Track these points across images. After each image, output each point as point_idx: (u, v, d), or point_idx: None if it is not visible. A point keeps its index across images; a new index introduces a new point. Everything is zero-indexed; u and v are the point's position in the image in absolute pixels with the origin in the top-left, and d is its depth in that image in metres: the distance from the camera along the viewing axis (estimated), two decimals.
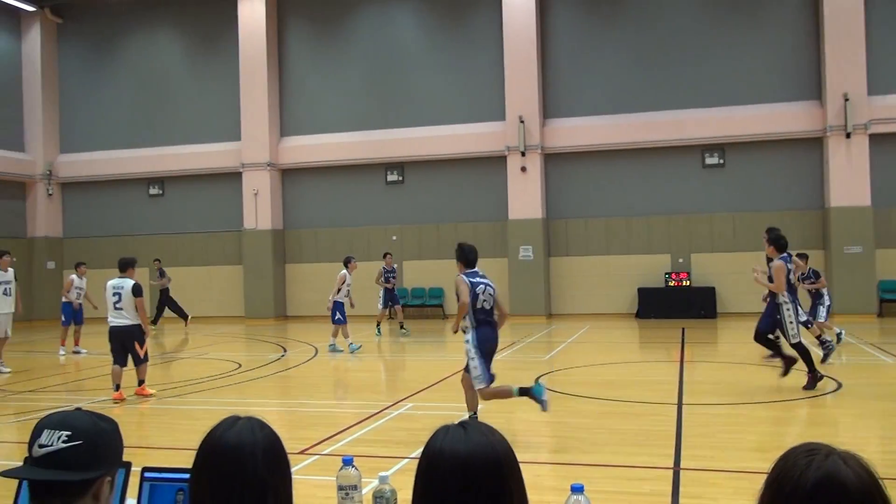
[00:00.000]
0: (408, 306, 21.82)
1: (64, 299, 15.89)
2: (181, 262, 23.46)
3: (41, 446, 1.77)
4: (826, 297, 13.42)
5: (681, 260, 19.97)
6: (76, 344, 15.66)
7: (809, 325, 11.75)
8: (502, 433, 1.68)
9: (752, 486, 5.25)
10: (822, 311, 13.24)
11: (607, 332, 17.39)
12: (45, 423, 1.81)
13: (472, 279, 7.46)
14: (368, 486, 3.95)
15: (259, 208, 22.35)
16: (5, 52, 24.09)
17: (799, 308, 9.84)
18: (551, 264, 20.86)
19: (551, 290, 20.85)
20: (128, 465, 2.02)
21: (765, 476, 1.47)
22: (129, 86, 24.26)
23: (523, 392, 7.19)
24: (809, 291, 13.46)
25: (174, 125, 23.64)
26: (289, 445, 1.86)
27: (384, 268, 17.54)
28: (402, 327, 17.76)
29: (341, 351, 14.60)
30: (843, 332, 13.62)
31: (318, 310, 20.42)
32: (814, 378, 9.25)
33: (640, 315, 19.69)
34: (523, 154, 20.28)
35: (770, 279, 9.46)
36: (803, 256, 13.45)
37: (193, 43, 23.72)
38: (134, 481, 2.10)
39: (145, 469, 2.23)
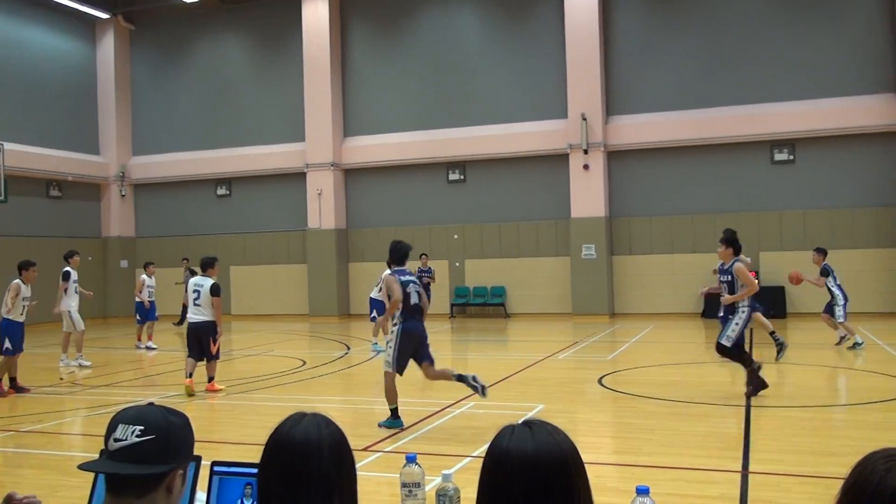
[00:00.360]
0: (469, 305, 21.87)
1: (137, 299, 16.43)
2: (247, 262, 23.97)
3: (116, 440, 1.83)
4: (840, 296, 13.05)
5: (749, 259, 19.46)
6: (149, 339, 16.15)
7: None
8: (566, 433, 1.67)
9: (826, 491, 5.10)
10: (840, 312, 12.96)
11: (672, 331, 17.09)
12: (119, 418, 1.87)
13: (401, 277, 7.98)
14: (431, 484, 3.96)
15: (323, 208, 22.67)
16: (81, 58, 24.96)
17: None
18: (614, 263, 20.61)
19: (614, 289, 20.60)
20: (198, 459, 2.07)
21: (839, 481, 1.43)
22: (197, 89, 24.88)
23: (460, 378, 7.83)
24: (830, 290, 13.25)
25: (240, 127, 24.15)
26: (352, 442, 1.88)
27: (420, 268, 17.65)
28: None
29: (382, 350, 14.65)
30: (862, 341, 13.12)
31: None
32: (754, 377, 8.78)
33: (705, 315, 19.28)
34: (586, 152, 20.08)
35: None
36: (822, 251, 13.32)
37: (259, 46, 24.18)
38: (204, 475, 2.15)
39: (215, 463, 2.28)
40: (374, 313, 14.73)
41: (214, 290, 10.40)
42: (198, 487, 2.18)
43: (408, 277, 8.07)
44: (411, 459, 2.61)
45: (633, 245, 20.54)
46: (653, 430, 7.56)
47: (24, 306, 11.03)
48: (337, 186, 22.79)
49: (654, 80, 20.22)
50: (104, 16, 24.72)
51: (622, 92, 20.52)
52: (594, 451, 6.80)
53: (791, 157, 19.29)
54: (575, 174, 20.37)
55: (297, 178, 23.31)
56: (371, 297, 15.14)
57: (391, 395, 7.94)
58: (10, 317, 10.91)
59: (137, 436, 1.81)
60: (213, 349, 10.40)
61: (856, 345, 12.83)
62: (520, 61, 21.36)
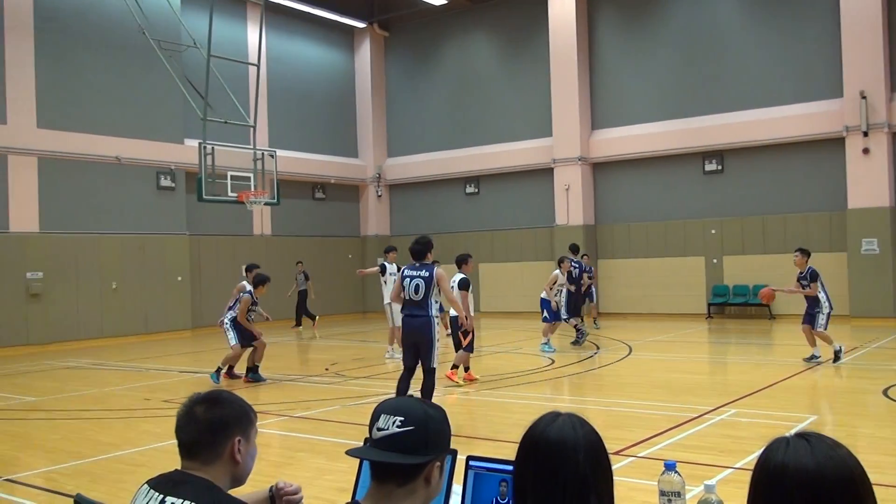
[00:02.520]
0: (729, 305, 20.75)
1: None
2: (496, 259, 24.58)
3: (379, 430, 1.95)
4: (826, 304, 11.62)
5: None
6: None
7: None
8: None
9: None
10: (822, 320, 11.56)
11: None
12: (381, 409, 1.99)
13: (406, 271, 8.29)
14: (690, 494, 3.81)
15: (570, 203, 22.66)
16: (341, 67, 27.06)
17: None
18: None
19: None
20: (454, 453, 2.14)
21: None
22: (446, 91, 25.96)
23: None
24: (806, 296, 11.85)
25: (488, 125, 24.83)
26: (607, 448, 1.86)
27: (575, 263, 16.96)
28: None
29: (554, 349, 14.57)
30: (843, 347, 11.83)
31: (631, 306, 20.28)
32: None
33: None
34: (865, 134, 18.22)
35: None
36: (805, 253, 11.88)
37: (505, 43, 24.71)
38: (459, 469, 2.21)
39: (470, 458, 2.35)
40: (546, 314, 14.90)
41: (462, 284, 11.04)
42: (453, 481, 2.25)
43: (409, 272, 8.21)
44: (671, 467, 2.51)
45: None
46: None
47: (251, 317, 12.25)
48: (585, 181, 22.66)
49: None
50: (361, 25, 26.60)
51: None
52: (880, 471, 6.15)
53: None
54: (852, 159, 18.56)
55: (544, 173, 23.51)
56: (541, 298, 15.24)
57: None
58: (238, 319, 12.15)
59: (398, 426, 1.92)
60: (465, 341, 11.00)
61: (813, 357, 11.77)
62: (782, 38, 19.86)
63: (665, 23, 21.69)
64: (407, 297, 8.14)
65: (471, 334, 10.87)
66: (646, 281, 21.87)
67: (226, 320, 12.30)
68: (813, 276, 11.87)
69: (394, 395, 2.03)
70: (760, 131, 19.95)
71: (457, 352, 11.22)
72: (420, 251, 8.24)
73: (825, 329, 11.79)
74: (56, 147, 18.78)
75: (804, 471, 1.50)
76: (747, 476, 1.63)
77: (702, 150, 20.96)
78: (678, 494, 2.48)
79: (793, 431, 1.61)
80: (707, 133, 20.71)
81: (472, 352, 11.25)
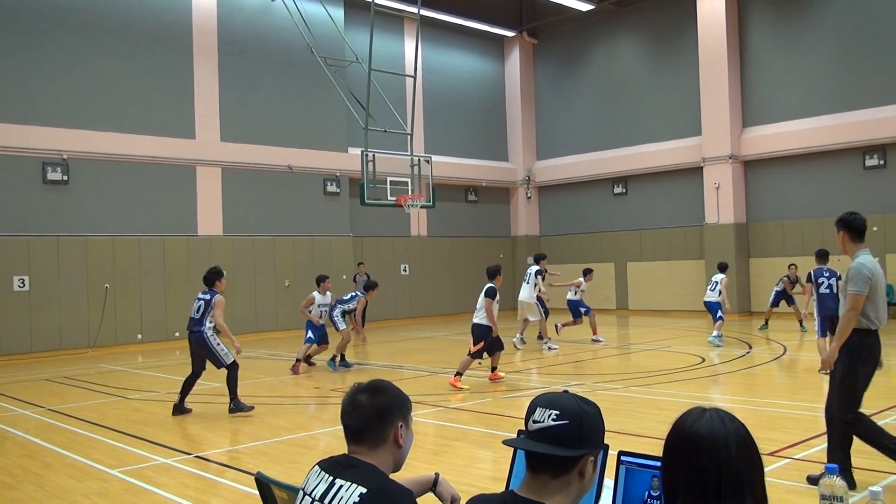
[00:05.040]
0: (891, 305, 19.16)
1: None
2: (644, 258, 23.95)
3: (534, 422, 1.95)
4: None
5: None
6: (593, 332, 16.24)
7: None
8: None
9: None
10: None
11: None
12: (538, 402, 1.99)
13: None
14: (854, 499, 3.55)
15: (721, 202, 21.72)
16: (492, 74, 27.23)
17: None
18: None
19: None
20: (605, 448, 2.10)
21: None
22: (594, 93, 25.54)
23: None
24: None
25: (636, 126, 24.22)
26: (758, 446, 1.77)
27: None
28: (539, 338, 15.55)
29: (721, 346, 14.34)
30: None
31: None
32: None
33: None
34: None
35: None
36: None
37: (653, 44, 24.01)
38: (610, 464, 2.17)
39: (621, 453, 2.30)
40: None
41: (489, 293, 10.96)
42: (605, 476, 2.21)
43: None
44: (832, 471, 2.35)
45: None
46: None
47: (321, 312, 13.27)
48: (736, 179, 21.64)
49: None
50: (511, 34, 26.67)
51: None
52: None
53: None
54: None
55: (693, 172, 22.66)
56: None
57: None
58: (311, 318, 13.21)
59: (553, 419, 1.91)
60: (475, 348, 10.85)
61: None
62: None
63: (821, 15, 20.33)
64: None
65: (483, 343, 10.84)
66: (802, 280, 20.56)
67: (338, 311, 13.46)
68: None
69: (551, 391, 2.02)
70: None
71: (487, 356, 11.13)
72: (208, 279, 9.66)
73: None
74: (236, 158, 20.03)
75: (716, 435, 1.72)
76: None
77: (862, 145, 19.50)
78: (840, 499, 2.32)
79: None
80: (868, 127, 19.24)
81: (480, 358, 11.12)
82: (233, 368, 9.38)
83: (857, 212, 5.67)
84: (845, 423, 5.47)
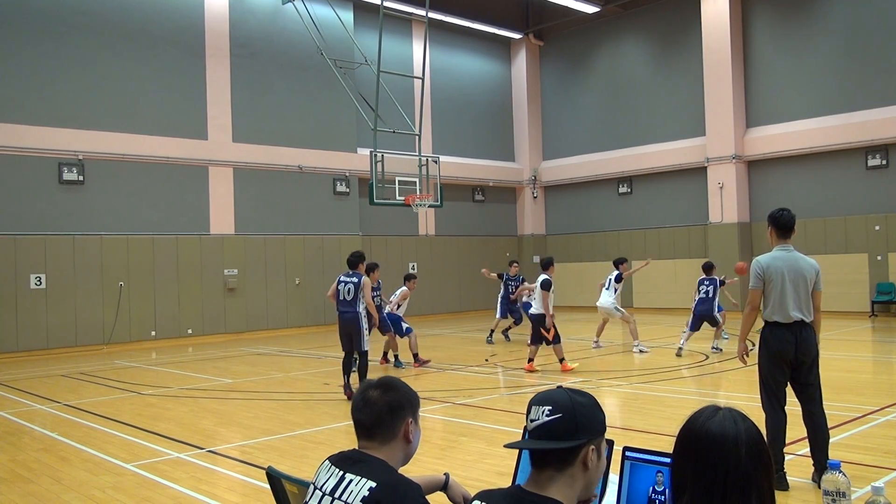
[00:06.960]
0: (894, 303, 19.10)
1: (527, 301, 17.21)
2: (647, 256, 23.86)
3: (532, 421, 1.98)
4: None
5: None
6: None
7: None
8: None
9: None
10: None
11: None
12: (533, 402, 2.02)
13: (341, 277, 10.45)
14: (856, 495, 3.54)
15: (724, 201, 21.66)
16: (499, 76, 27.20)
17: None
18: None
19: None
20: (610, 444, 2.10)
21: None
22: (599, 94, 25.50)
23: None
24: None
25: (640, 126, 24.17)
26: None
27: (506, 274, 16.67)
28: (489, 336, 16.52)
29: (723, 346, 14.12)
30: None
31: None
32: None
33: None
34: None
35: None
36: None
37: (657, 45, 23.94)
38: (615, 459, 2.17)
39: (626, 448, 2.30)
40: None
41: (544, 285, 11.44)
42: (610, 471, 2.21)
43: (343, 278, 10.35)
44: (835, 466, 2.34)
45: None
46: None
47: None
48: (739, 179, 21.58)
49: None
50: (517, 36, 26.64)
51: None
52: None
53: None
54: None
55: (696, 172, 22.61)
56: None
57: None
58: (398, 312, 13.11)
59: (547, 415, 1.94)
60: (549, 335, 11.42)
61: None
62: None
63: (824, 17, 20.24)
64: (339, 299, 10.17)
65: (553, 329, 11.46)
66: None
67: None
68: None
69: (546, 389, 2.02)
70: None
71: (531, 345, 11.68)
72: (353, 262, 10.35)
73: None
74: (248, 158, 20.08)
75: (727, 435, 1.72)
76: None
77: (865, 145, 19.42)
78: (843, 495, 2.31)
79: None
80: (871, 127, 19.15)
81: (559, 343, 11.60)
82: (364, 356, 10.09)
83: (787, 208, 5.75)
84: (764, 411, 5.66)
